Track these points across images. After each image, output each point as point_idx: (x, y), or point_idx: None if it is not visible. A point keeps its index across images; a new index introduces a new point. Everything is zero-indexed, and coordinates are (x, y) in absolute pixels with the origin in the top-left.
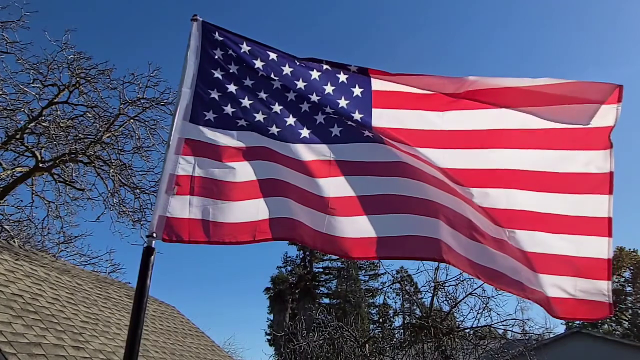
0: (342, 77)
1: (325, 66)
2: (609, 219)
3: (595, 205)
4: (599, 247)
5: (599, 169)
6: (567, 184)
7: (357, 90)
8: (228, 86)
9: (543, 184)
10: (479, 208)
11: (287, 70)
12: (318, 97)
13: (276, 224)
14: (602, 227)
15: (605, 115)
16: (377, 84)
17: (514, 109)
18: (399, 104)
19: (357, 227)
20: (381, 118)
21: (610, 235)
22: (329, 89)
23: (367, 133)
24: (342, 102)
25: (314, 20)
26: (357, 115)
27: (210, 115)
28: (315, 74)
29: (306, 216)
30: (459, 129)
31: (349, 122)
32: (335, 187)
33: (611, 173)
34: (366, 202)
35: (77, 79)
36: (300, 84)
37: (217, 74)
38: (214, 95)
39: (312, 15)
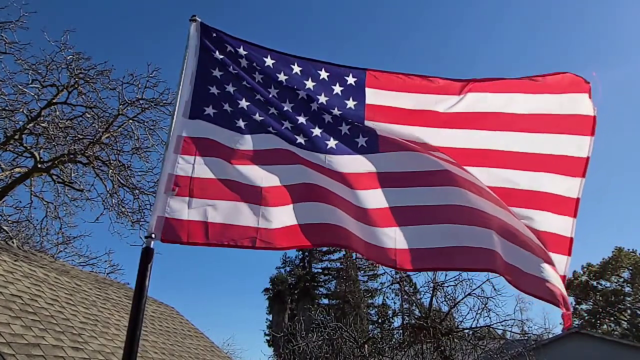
0: (337, 89)
1: (322, 75)
2: (571, 239)
3: (564, 224)
4: (561, 264)
5: (568, 193)
6: (550, 202)
7: (350, 103)
8: (226, 86)
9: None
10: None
11: (282, 77)
12: (312, 107)
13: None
14: (564, 245)
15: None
16: (371, 97)
17: (504, 132)
18: (391, 119)
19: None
20: None
21: (570, 254)
22: (322, 99)
23: (361, 143)
24: (335, 112)
25: (313, 20)
26: (347, 127)
27: (210, 110)
28: (310, 84)
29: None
30: (449, 146)
31: (342, 132)
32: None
33: (577, 199)
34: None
35: (76, 79)
36: (297, 91)
37: (216, 73)
38: (213, 91)
39: (312, 14)
